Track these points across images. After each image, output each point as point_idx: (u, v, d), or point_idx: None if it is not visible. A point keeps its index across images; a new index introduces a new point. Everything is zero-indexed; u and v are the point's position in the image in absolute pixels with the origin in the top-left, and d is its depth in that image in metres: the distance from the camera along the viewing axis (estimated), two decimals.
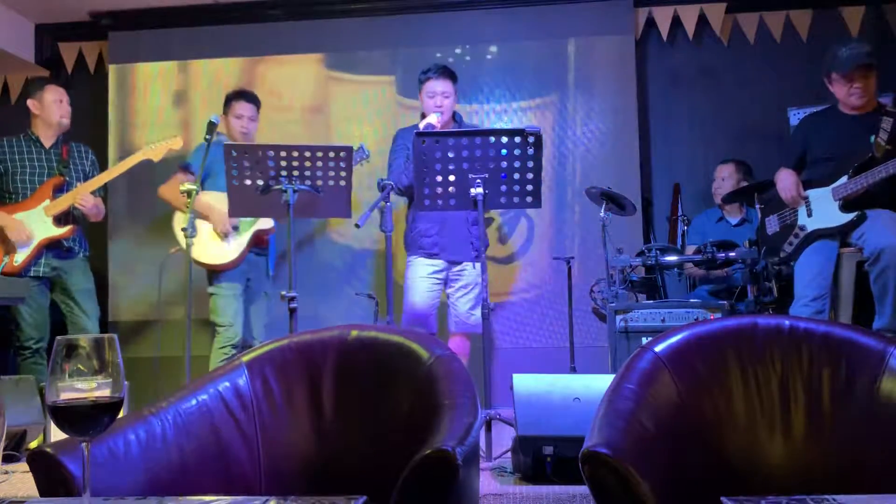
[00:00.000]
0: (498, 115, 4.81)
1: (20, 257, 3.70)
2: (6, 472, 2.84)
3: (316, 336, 1.67)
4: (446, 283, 3.79)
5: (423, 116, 3.69)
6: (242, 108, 3.88)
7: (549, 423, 2.50)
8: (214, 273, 3.74)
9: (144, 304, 4.88)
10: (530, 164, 3.07)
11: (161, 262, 3.82)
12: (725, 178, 4.39)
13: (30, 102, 3.89)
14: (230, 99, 3.92)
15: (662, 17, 4.88)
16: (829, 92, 3.48)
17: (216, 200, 3.65)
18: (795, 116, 4.46)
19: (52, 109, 3.86)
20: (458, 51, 4.86)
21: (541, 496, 2.33)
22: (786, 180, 3.45)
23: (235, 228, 3.73)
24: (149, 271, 4.83)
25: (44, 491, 1.23)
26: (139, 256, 4.86)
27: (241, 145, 3.23)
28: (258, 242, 3.81)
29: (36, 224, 3.75)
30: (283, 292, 3.01)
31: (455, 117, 3.85)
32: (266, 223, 3.77)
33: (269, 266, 3.95)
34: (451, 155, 3.06)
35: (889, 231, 3.13)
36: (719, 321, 1.58)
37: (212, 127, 3.41)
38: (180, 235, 3.71)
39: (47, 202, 3.78)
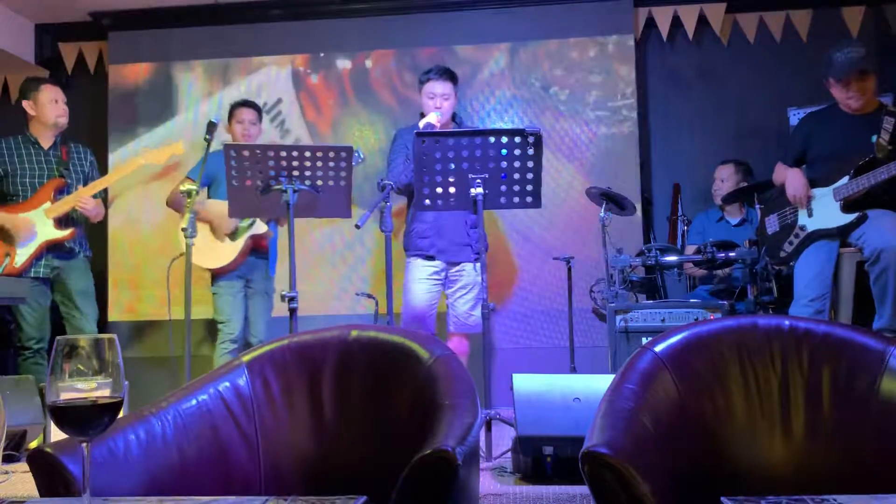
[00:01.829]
0: (498, 114, 4.81)
1: (21, 259, 3.70)
2: (6, 472, 2.84)
3: (316, 336, 1.67)
4: (445, 283, 3.79)
5: (423, 116, 3.69)
6: (244, 113, 4.02)
7: (549, 423, 2.50)
8: (214, 274, 3.87)
9: (143, 304, 4.88)
10: (530, 164, 3.07)
11: (167, 267, 3.89)
12: (725, 179, 4.39)
13: (25, 103, 3.88)
14: (233, 108, 4.09)
15: (662, 17, 4.88)
16: (829, 92, 3.48)
17: (224, 208, 3.69)
18: (795, 116, 4.47)
19: (48, 109, 3.85)
20: (457, 50, 4.86)
21: (541, 496, 2.33)
22: (795, 180, 3.43)
23: (235, 230, 3.78)
24: (148, 272, 4.85)
25: (44, 491, 1.23)
26: (138, 257, 4.86)
27: (241, 145, 3.23)
28: (257, 246, 3.88)
29: (37, 226, 3.75)
30: (284, 292, 3.02)
31: (455, 118, 3.85)
32: (261, 228, 3.83)
33: (269, 268, 4.01)
34: (450, 155, 3.06)
35: (889, 231, 3.12)
36: (719, 321, 1.58)
37: (212, 127, 3.41)
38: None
39: (48, 204, 3.77)
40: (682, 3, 4.84)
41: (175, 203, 3.94)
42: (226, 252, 3.79)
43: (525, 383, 2.62)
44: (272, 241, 4.00)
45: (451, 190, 3.11)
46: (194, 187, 3.18)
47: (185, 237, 3.15)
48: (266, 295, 4.00)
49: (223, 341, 3.83)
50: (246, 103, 4.09)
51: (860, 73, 3.30)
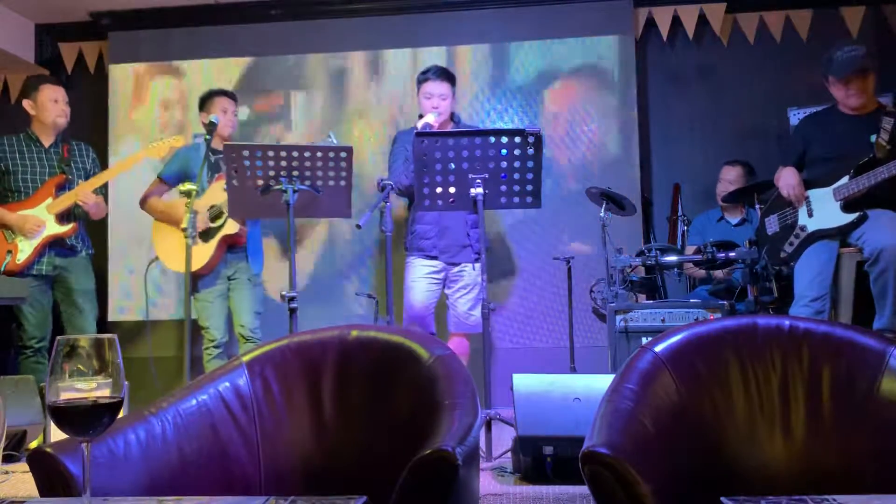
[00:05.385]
0: (498, 114, 4.81)
1: (23, 255, 3.70)
2: (6, 472, 2.84)
3: (316, 336, 1.67)
4: (445, 283, 3.79)
5: (421, 117, 3.69)
6: (225, 102, 3.92)
7: (549, 423, 2.50)
8: (195, 277, 3.76)
9: (143, 304, 4.87)
10: (530, 164, 3.07)
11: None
12: (732, 182, 4.34)
13: (25, 103, 3.89)
14: (208, 97, 3.96)
15: (662, 17, 4.88)
16: (829, 92, 3.49)
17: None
18: (795, 116, 4.46)
19: (48, 109, 3.85)
20: (458, 50, 4.86)
21: (541, 496, 2.33)
22: (788, 177, 3.45)
23: (206, 231, 3.75)
24: (149, 273, 4.84)
25: (44, 491, 1.23)
26: (139, 257, 4.85)
27: (242, 145, 3.23)
28: (232, 243, 3.82)
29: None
30: (284, 292, 3.02)
31: (453, 117, 3.85)
32: (232, 228, 3.75)
33: (251, 264, 3.91)
34: (450, 155, 3.06)
35: (889, 231, 3.13)
36: (719, 321, 1.58)
37: (212, 127, 3.42)
38: (158, 245, 3.88)
39: (50, 200, 3.78)
40: (682, 3, 4.84)
41: (149, 206, 3.90)
42: (199, 254, 3.69)
43: (525, 383, 2.62)
44: (253, 238, 3.93)
45: (451, 190, 3.11)
46: (194, 188, 3.19)
47: (186, 237, 3.16)
48: (249, 283, 3.89)
49: (206, 347, 3.85)
50: (223, 92, 4.01)
51: (860, 72, 3.31)
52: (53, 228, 3.77)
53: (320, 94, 4.95)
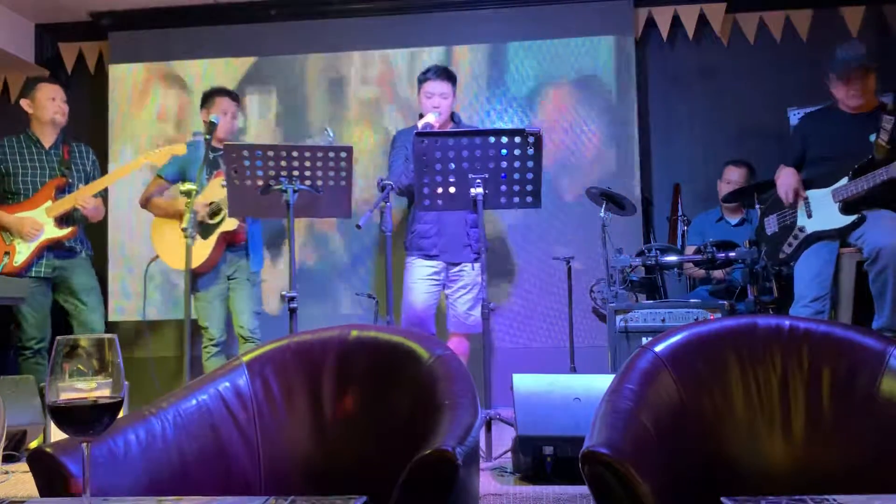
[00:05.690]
0: (498, 114, 4.81)
1: (21, 257, 3.70)
2: (6, 472, 2.84)
3: (316, 336, 1.67)
4: (445, 283, 3.79)
5: (422, 116, 3.69)
6: (227, 104, 3.89)
7: (549, 423, 2.50)
8: (195, 276, 3.73)
9: (142, 304, 4.87)
10: (530, 164, 3.07)
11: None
12: (735, 182, 4.31)
13: (23, 102, 3.88)
14: (211, 95, 3.92)
15: (662, 17, 4.88)
16: (829, 91, 3.49)
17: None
18: (795, 116, 4.46)
19: (46, 107, 3.84)
20: (458, 50, 4.86)
21: (541, 496, 2.33)
22: (786, 178, 3.45)
23: (203, 227, 3.74)
24: (148, 272, 4.84)
25: (44, 491, 1.23)
26: (138, 257, 4.85)
27: (242, 145, 3.23)
28: (232, 241, 3.81)
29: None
30: (284, 292, 3.02)
31: (453, 117, 3.85)
32: (230, 225, 3.73)
33: (251, 261, 3.89)
34: (450, 155, 3.06)
35: (888, 231, 3.12)
36: (719, 321, 1.58)
37: (212, 127, 3.42)
38: (158, 243, 3.87)
39: (49, 203, 3.77)
40: (682, 3, 4.84)
41: (151, 204, 3.89)
42: (198, 252, 3.66)
43: (525, 383, 2.62)
44: (253, 234, 3.90)
45: (451, 190, 3.11)
46: (194, 187, 3.19)
47: (185, 237, 3.15)
48: (248, 282, 3.87)
49: (206, 345, 3.85)
50: (226, 92, 3.95)
51: (862, 71, 3.31)
52: (52, 232, 3.76)
53: (318, 92, 4.95)
